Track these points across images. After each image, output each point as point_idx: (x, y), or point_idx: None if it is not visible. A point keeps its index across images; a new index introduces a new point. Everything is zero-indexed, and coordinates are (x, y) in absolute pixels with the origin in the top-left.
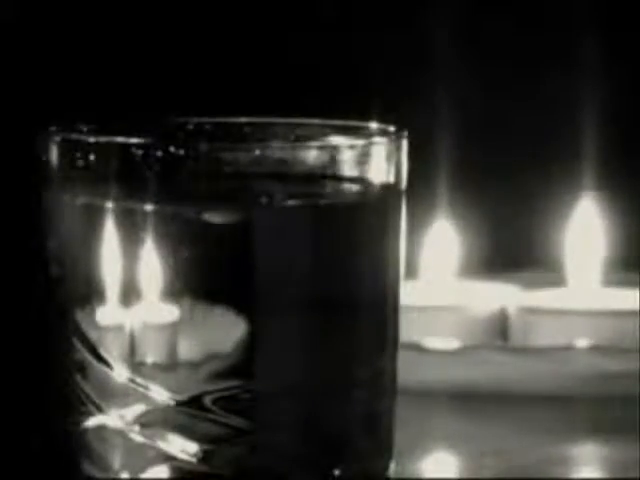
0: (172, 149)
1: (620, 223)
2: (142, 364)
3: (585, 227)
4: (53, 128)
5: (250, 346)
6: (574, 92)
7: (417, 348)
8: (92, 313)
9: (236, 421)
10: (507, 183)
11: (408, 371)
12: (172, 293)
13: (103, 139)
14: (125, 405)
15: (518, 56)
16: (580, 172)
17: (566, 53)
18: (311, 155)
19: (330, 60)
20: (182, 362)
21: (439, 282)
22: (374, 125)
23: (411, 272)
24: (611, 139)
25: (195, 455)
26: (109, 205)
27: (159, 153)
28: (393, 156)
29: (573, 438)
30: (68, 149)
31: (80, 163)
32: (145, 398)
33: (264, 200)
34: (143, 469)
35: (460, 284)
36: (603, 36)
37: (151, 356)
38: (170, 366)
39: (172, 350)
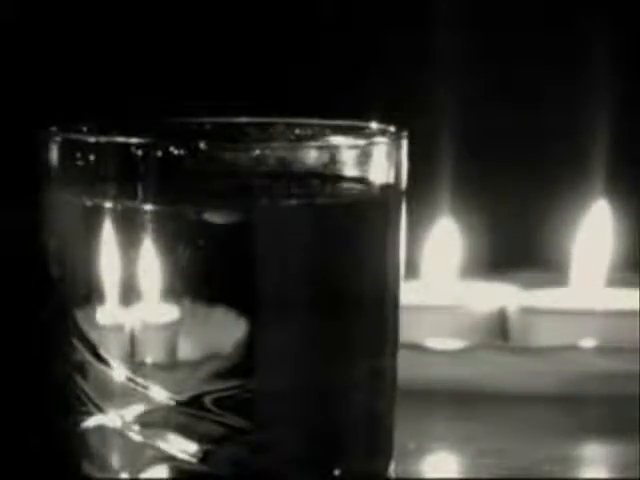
0: (172, 149)
1: (621, 223)
2: (142, 364)
3: (586, 227)
4: (53, 128)
5: (250, 346)
6: (580, 92)
7: (417, 348)
8: (92, 313)
9: (236, 421)
10: (508, 183)
11: (408, 371)
12: (172, 293)
13: (103, 139)
14: (125, 405)
15: (522, 55)
16: (583, 173)
17: (573, 51)
18: (311, 155)
19: (330, 60)
20: (182, 362)
21: (439, 282)
22: (374, 125)
23: (412, 272)
24: (614, 140)
25: (195, 455)
26: (109, 205)
27: (159, 153)
28: (393, 156)
29: (573, 438)
30: (68, 149)
31: (80, 163)
32: (145, 398)
33: (264, 200)
34: (143, 469)
35: (460, 284)
36: (615, 36)
37: (151, 356)
38: (170, 366)
39: (172, 350)
